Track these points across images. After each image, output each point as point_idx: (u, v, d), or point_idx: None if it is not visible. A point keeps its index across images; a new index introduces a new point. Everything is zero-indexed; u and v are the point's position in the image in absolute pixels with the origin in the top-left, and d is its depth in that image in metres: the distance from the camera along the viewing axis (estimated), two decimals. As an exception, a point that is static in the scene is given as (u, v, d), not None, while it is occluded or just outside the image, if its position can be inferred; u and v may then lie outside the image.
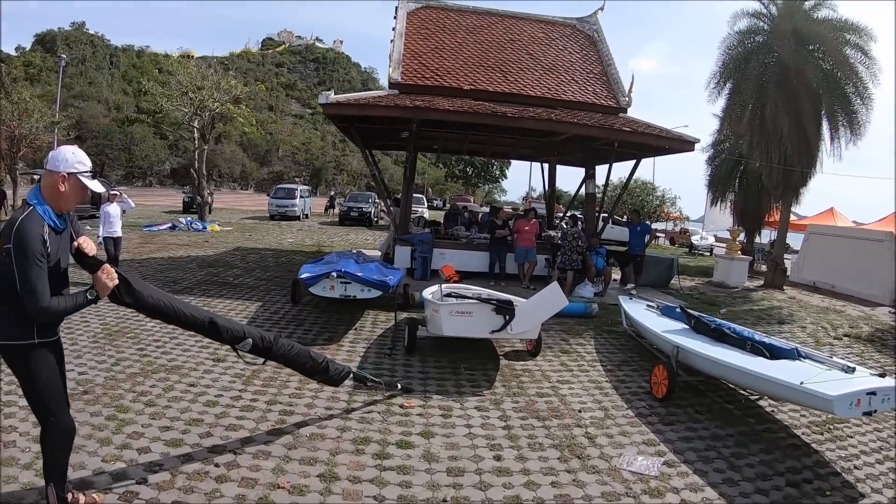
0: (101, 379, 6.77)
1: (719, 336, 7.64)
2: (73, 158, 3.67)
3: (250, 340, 4.87)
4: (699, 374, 7.38)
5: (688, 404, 7.15)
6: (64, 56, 50.84)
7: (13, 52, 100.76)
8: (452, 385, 7.29)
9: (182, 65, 33.61)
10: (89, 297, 3.68)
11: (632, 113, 15.83)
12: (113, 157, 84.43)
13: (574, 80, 16.32)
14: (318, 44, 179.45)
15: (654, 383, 7.38)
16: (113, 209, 13.18)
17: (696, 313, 8.64)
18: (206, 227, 26.12)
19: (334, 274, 9.56)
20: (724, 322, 8.33)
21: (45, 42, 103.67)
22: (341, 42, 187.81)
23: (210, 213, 32.23)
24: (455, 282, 12.98)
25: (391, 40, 15.92)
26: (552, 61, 16.90)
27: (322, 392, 6.62)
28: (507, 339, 8.58)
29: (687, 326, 8.40)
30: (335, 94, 13.35)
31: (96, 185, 3.79)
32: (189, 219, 28.10)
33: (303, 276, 10.11)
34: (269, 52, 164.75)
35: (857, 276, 19.45)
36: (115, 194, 13.93)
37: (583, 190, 17.97)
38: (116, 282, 3.80)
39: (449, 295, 9.11)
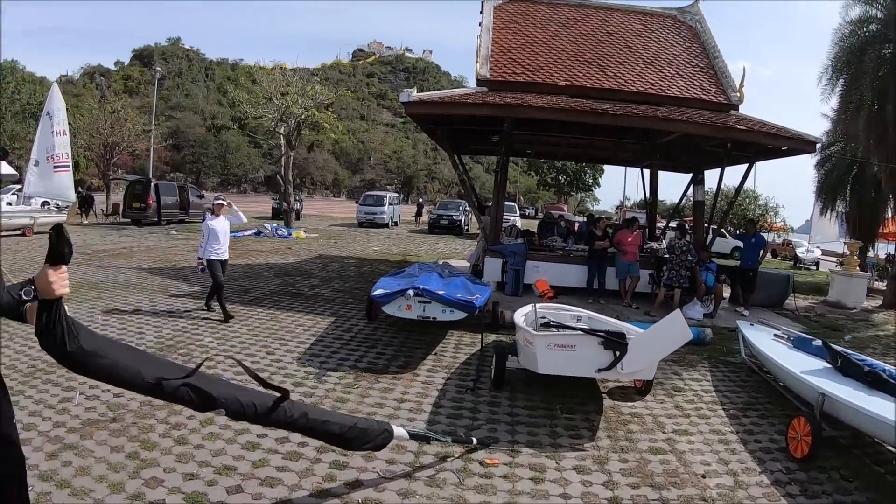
0: (135, 404, 5.95)
1: (876, 382, 6.09)
2: None
3: (222, 410, 3.57)
4: (846, 427, 5.88)
5: (831, 466, 5.68)
6: (159, 69, 53.70)
7: (112, 67, 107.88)
8: (546, 433, 6.02)
9: (266, 72, 33.64)
10: (25, 295, 2.56)
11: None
12: (209, 165, 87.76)
13: (679, 75, 14.77)
14: (407, 54, 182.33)
15: (792, 438, 5.94)
16: (220, 224, 10.22)
17: (841, 349, 7.04)
18: (290, 234, 25.77)
19: (411, 292, 8.30)
20: (879, 364, 6.77)
21: (143, 56, 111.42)
22: (430, 52, 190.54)
23: (298, 219, 31.96)
24: (550, 298, 11.72)
25: (478, 35, 14.79)
26: (653, 54, 15.39)
27: (388, 439, 5.51)
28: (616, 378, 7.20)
29: (830, 366, 6.85)
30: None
31: None
32: (274, 225, 27.78)
33: (376, 292, 8.88)
34: (360, 62, 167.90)
35: None
36: (222, 205, 10.52)
37: (687, 198, 16.39)
38: (67, 290, 2.59)
39: (545, 323, 7.70)
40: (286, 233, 25.90)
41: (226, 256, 10.28)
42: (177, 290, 12.69)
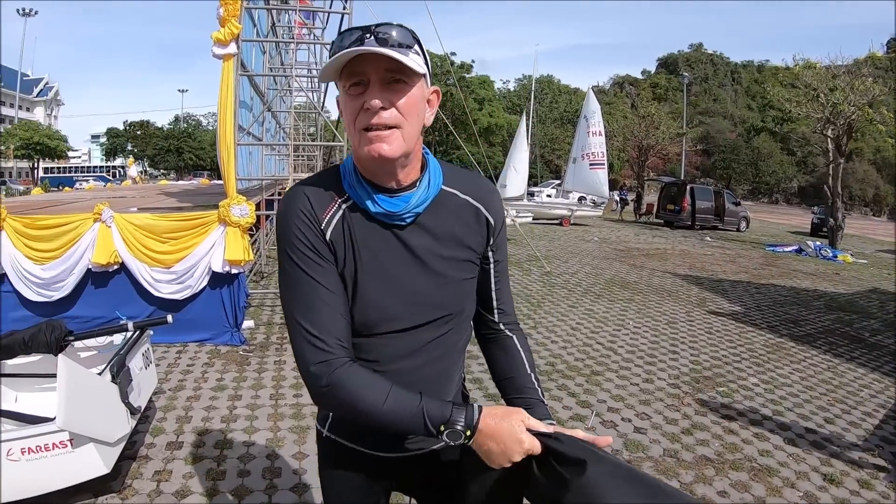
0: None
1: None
2: None
3: None
4: None
5: None
6: (686, 75, 55.18)
7: (640, 76, 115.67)
8: None
9: (810, 67, 29.83)
10: (448, 438, 1.40)
11: None
12: (739, 172, 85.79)
13: None
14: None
15: None
16: None
17: None
18: (836, 256, 22.10)
19: None
20: None
21: (668, 64, 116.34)
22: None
23: (841, 239, 27.84)
24: None
25: None
26: None
27: None
28: None
29: None
30: None
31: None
32: (818, 243, 24.38)
33: None
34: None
35: None
36: None
37: None
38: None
39: None
40: (831, 254, 22.34)
41: None
42: (716, 305, 11.53)
